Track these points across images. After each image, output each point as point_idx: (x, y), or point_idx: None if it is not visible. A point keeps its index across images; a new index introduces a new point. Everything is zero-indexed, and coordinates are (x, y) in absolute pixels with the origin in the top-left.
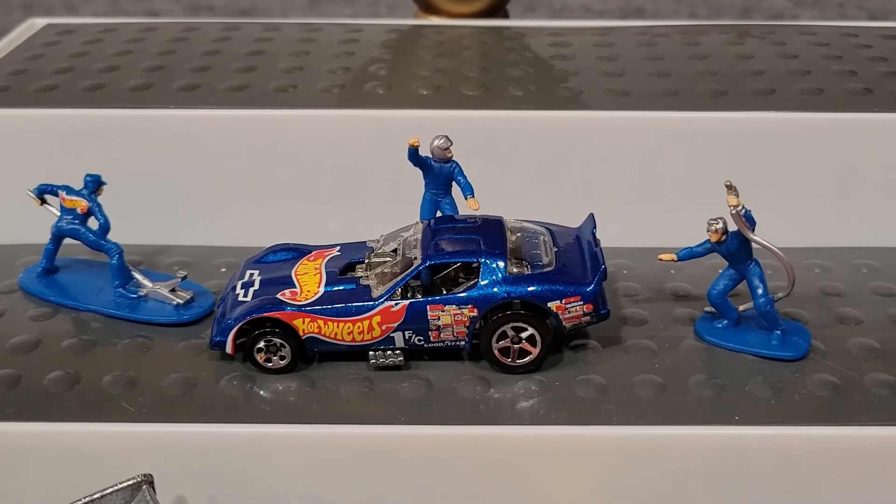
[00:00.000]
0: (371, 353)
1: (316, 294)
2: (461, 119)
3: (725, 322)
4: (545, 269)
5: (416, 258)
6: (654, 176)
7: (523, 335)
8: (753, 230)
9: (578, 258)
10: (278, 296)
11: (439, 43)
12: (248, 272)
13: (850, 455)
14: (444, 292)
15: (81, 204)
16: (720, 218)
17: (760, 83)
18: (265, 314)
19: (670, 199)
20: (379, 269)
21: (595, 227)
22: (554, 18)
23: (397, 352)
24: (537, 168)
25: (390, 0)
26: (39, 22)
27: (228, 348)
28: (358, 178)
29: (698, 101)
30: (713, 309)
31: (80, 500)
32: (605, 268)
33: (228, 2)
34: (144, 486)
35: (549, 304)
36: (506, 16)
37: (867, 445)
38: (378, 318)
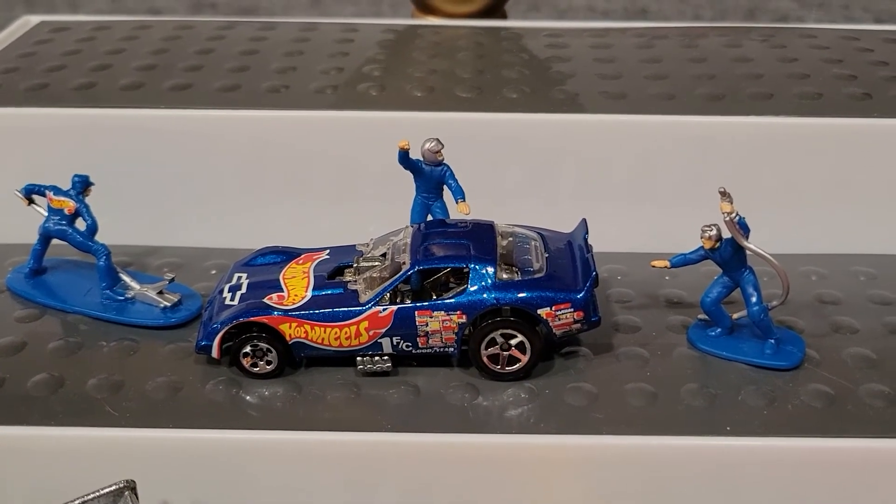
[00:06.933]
0: (358, 358)
1: (303, 298)
2: (455, 121)
3: (719, 330)
4: (535, 276)
5: (404, 263)
6: (650, 180)
7: (513, 342)
8: (747, 237)
9: (569, 264)
10: (265, 300)
11: (435, 43)
12: (237, 275)
13: (844, 467)
14: (434, 297)
15: (69, 205)
16: (714, 225)
17: (759, 87)
18: (251, 318)
19: (666, 204)
20: (367, 274)
21: (587, 233)
22: (557, 18)
23: (385, 357)
24: (531, 172)
25: None
26: (33, 19)
27: (214, 352)
28: (351, 180)
29: (695, 105)
30: (706, 317)
31: None
32: (597, 274)
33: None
34: (126, 493)
35: (539, 311)
36: (504, 16)
37: (861, 457)
38: (365, 324)
